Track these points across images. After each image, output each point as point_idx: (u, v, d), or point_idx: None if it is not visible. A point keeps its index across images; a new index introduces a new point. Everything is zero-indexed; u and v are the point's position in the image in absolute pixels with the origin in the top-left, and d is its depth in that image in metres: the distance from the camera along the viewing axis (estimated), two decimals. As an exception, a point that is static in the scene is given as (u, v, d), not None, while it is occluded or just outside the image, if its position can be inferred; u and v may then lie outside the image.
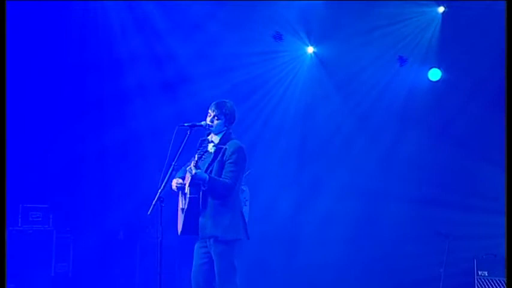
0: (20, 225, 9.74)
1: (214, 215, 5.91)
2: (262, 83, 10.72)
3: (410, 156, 10.29)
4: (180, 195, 6.10)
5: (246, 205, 8.11)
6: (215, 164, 5.98)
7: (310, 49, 10.75)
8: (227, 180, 5.91)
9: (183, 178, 6.02)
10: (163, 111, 10.08)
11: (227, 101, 6.15)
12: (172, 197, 6.05)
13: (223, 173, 5.95)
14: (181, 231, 6.00)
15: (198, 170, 5.73)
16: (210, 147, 6.05)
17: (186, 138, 5.85)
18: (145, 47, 10.31)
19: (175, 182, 6.00)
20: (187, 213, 5.90)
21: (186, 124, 5.92)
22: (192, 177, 5.72)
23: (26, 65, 9.72)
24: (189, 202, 5.87)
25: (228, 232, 5.92)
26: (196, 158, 5.75)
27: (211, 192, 5.86)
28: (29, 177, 10.06)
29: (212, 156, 6.02)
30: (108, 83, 10.36)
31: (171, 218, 6.16)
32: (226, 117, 6.08)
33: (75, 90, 10.30)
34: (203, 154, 5.98)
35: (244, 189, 8.25)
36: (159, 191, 5.71)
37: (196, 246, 6.06)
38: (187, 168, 5.74)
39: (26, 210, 9.84)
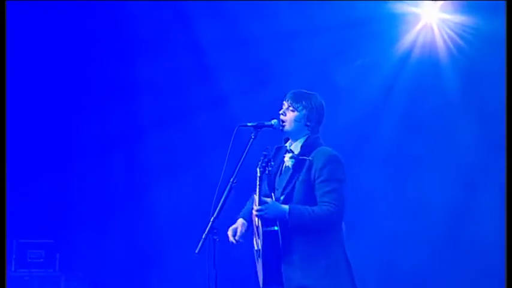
0: (14, 269, 9.13)
1: (304, 260, 5.02)
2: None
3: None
4: (254, 233, 5.31)
5: None
6: (297, 185, 5.08)
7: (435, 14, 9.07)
8: (327, 208, 4.96)
9: (248, 219, 5.27)
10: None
11: (313, 93, 5.28)
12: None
13: (318, 198, 5.03)
14: (263, 283, 5.15)
15: (266, 209, 4.93)
16: (287, 160, 5.18)
17: (249, 143, 5.18)
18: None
19: (231, 233, 5.26)
20: (265, 256, 5.02)
21: (249, 124, 5.26)
22: (260, 218, 4.98)
23: (26, 67, 9.41)
24: (263, 238, 4.99)
25: (324, 284, 5.01)
26: (258, 190, 4.98)
27: (301, 232, 4.99)
28: (27, 203, 9.33)
29: (291, 172, 5.15)
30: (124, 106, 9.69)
31: (228, 258, 5.69)
32: (307, 109, 5.14)
33: (84, 95, 9.73)
34: (276, 170, 5.16)
35: None
36: (212, 219, 4.98)
37: None
38: (252, 209, 5.10)
39: (23, 248, 9.19)
